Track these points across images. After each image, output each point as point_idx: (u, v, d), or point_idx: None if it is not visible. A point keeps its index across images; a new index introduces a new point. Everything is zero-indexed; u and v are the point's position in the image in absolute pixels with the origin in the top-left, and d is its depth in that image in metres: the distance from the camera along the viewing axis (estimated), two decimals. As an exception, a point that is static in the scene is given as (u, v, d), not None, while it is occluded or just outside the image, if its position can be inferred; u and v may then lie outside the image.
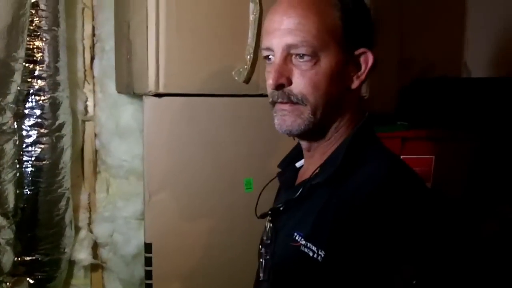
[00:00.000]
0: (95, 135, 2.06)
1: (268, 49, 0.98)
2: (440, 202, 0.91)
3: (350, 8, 0.97)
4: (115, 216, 2.05)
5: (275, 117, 1.01)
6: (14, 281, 1.88)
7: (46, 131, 1.81)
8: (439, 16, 2.33)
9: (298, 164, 1.14)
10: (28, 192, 1.83)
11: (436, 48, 2.32)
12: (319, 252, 0.90)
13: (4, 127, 1.70)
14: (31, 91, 1.79)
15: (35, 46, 1.77)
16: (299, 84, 0.95)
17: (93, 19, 2.01)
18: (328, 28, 0.94)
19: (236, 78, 1.55)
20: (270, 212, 1.08)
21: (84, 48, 2.00)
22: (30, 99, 1.79)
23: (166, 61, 1.49)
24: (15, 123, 1.77)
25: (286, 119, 0.98)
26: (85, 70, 2.01)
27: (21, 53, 1.69)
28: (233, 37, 1.55)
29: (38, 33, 1.77)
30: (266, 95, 1.56)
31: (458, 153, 1.93)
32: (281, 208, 1.06)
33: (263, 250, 1.07)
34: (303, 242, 0.94)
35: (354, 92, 1.01)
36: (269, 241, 1.06)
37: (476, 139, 1.93)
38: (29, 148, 1.81)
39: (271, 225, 1.07)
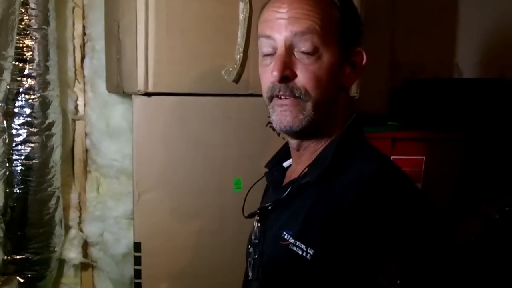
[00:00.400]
0: (86, 134, 2.05)
1: (269, 37, 0.97)
2: (426, 203, 0.91)
3: (346, 9, 0.98)
4: (105, 215, 2.05)
5: (273, 113, 0.99)
6: (4, 280, 1.88)
7: (36, 130, 1.81)
8: (430, 17, 2.34)
9: (285, 164, 1.14)
10: (18, 191, 1.83)
11: (427, 49, 2.33)
12: (308, 251, 0.90)
13: (-6, 126, 1.70)
14: (21, 89, 1.79)
15: (25, 45, 1.77)
16: (303, 78, 0.95)
17: (83, 18, 2.00)
18: (331, 23, 0.95)
19: (225, 77, 1.55)
20: (258, 211, 1.08)
21: (74, 47, 2.00)
22: (20, 98, 1.79)
23: (155, 60, 1.48)
24: (5, 121, 1.77)
25: (287, 114, 0.96)
26: (75, 70, 2.01)
27: (11, 51, 1.69)
28: (222, 37, 1.54)
29: (28, 32, 1.77)
30: (256, 95, 1.58)
31: (449, 154, 1.93)
32: (270, 208, 1.06)
33: (251, 250, 1.07)
34: (292, 240, 0.94)
35: (346, 91, 1.02)
36: (257, 241, 1.06)
37: (467, 140, 1.94)
38: (19, 147, 1.81)
39: (259, 224, 1.07)
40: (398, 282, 0.82)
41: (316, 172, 0.96)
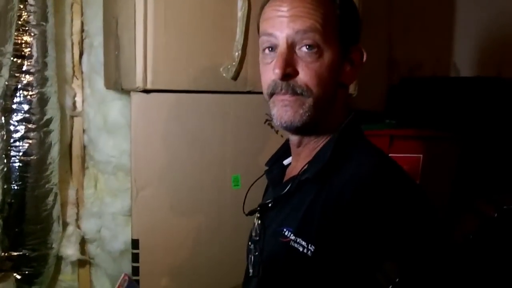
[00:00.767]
0: (83, 130, 2.05)
1: (270, 35, 0.98)
2: (424, 200, 0.92)
3: (346, 7, 0.99)
4: (103, 212, 2.04)
5: (273, 108, 1.00)
6: (1, 276, 1.88)
7: (34, 126, 1.81)
8: (427, 16, 2.35)
9: (285, 162, 1.15)
10: (16, 187, 1.83)
11: (425, 47, 2.33)
12: (309, 247, 0.91)
13: (-8, 122, 1.70)
14: (19, 86, 1.78)
15: (23, 41, 1.76)
16: (304, 76, 0.96)
17: (81, 14, 2.00)
18: (331, 21, 0.96)
19: (224, 75, 1.55)
20: (258, 208, 1.08)
21: (72, 43, 2.00)
22: (18, 94, 1.78)
23: (154, 57, 1.48)
24: (3, 118, 1.77)
25: (287, 109, 0.97)
26: (73, 66, 2.01)
27: (9, 47, 1.68)
28: (221, 34, 1.54)
29: (27, 28, 1.76)
30: (254, 92, 1.59)
31: (446, 152, 1.94)
32: (270, 205, 1.06)
33: (252, 246, 1.08)
34: (292, 237, 0.95)
35: (345, 88, 1.04)
36: (257, 237, 1.07)
37: (464, 138, 1.94)
38: (17, 143, 1.80)
39: (259, 221, 1.07)
40: (396, 280, 0.83)
41: (316, 169, 0.97)
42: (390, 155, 1.69)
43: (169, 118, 1.55)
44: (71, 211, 2.05)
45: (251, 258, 1.09)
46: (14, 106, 1.79)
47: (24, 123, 1.80)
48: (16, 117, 1.79)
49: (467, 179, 1.94)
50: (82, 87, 2.03)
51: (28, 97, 1.79)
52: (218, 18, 1.53)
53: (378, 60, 2.25)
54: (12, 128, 1.79)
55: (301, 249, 0.93)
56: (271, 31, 0.97)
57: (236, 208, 1.62)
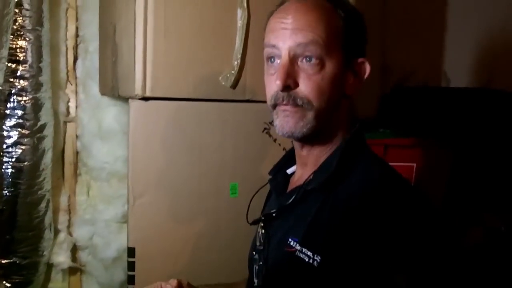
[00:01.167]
0: (76, 136, 2.03)
1: (274, 46, 0.98)
2: (432, 211, 0.93)
3: (351, 19, 1.00)
4: (95, 219, 2.02)
5: (276, 119, 1.01)
6: (-10, 284, 1.85)
7: (27, 132, 1.78)
8: (420, 25, 2.37)
9: (289, 171, 1.15)
10: (8, 194, 1.80)
11: (417, 56, 2.35)
12: (315, 257, 0.91)
13: (-15, 127, 1.67)
14: (13, 91, 1.76)
15: (18, 46, 1.74)
16: (305, 87, 0.96)
17: (76, 19, 1.98)
18: (334, 34, 0.97)
19: (223, 83, 1.55)
20: (263, 218, 1.08)
21: (67, 48, 1.98)
22: (12, 99, 1.76)
23: (153, 65, 1.48)
24: (-4, 123, 1.74)
25: (288, 120, 0.98)
26: (67, 71, 1.99)
27: (4, 52, 1.66)
28: (220, 42, 1.55)
29: (22, 33, 1.74)
30: (253, 101, 1.59)
31: (438, 161, 1.96)
32: (274, 214, 1.06)
33: (256, 256, 1.07)
34: (298, 247, 0.95)
35: (350, 99, 1.04)
36: (262, 247, 1.06)
37: (456, 148, 1.97)
38: (10, 149, 1.78)
39: (263, 231, 1.07)
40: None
41: (321, 179, 0.97)
42: (386, 164, 1.71)
43: (168, 126, 1.55)
44: (62, 218, 2.02)
45: (255, 267, 1.08)
46: (7, 112, 1.76)
47: (17, 129, 1.77)
48: (10, 122, 1.77)
49: (460, 187, 1.96)
50: (76, 93, 2.01)
51: (22, 102, 1.77)
52: (217, 26, 1.54)
53: (371, 67, 2.26)
54: (5, 133, 1.77)
55: (306, 259, 0.93)
56: (274, 43, 0.99)
57: (233, 216, 1.62)
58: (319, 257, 0.91)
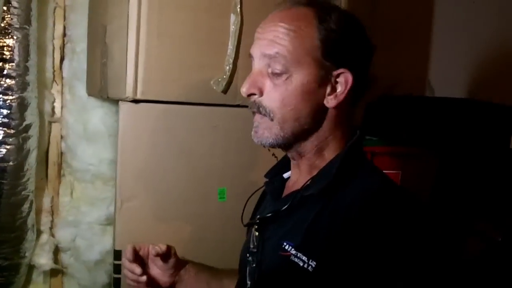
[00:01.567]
0: (61, 137, 2.01)
1: (250, 54, 1.03)
2: (432, 219, 0.94)
3: (333, 30, 0.98)
4: (78, 220, 2.00)
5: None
6: (-30, 286, 1.81)
7: (12, 131, 1.75)
8: (406, 36, 2.41)
9: (285, 175, 1.16)
10: (-9, 194, 1.77)
11: (402, 66, 2.39)
12: (310, 263, 0.92)
13: (-31, 126, 1.64)
14: (-1, 90, 1.73)
15: (5, 44, 1.71)
16: (269, 97, 0.99)
17: (64, 19, 1.96)
18: (306, 46, 0.97)
19: (214, 87, 1.55)
20: (258, 221, 1.09)
21: (54, 48, 1.95)
22: (-3, 98, 1.73)
23: (145, 67, 1.47)
24: (-19, 122, 1.71)
25: (257, 130, 1.02)
26: (54, 71, 1.96)
27: (-9, 51, 1.64)
28: (213, 47, 1.55)
29: (9, 31, 1.71)
30: (243, 106, 1.59)
31: (423, 170, 1.99)
32: (269, 217, 1.07)
33: (250, 258, 1.07)
34: (293, 252, 0.96)
35: (339, 110, 1.02)
36: (255, 250, 1.07)
37: (439, 157, 2.00)
38: (-6, 149, 1.75)
39: (257, 233, 1.08)
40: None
41: (321, 184, 0.98)
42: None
43: (158, 129, 1.54)
44: (45, 219, 1.99)
45: (248, 269, 1.09)
46: (-8, 111, 1.74)
47: (2, 128, 1.74)
48: (-5, 121, 1.74)
49: (444, 195, 2.00)
50: (62, 93, 1.98)
51: (8, 101, 1.74)
52: (210, 31, 1.54)
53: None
54: (-10, 133, 1.74)
55: (301, 263, 0.94)
56: (250, 51, 1.03)
57: (221, 220, 1.63)
58: (315, 263, 0.92)
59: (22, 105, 1.77)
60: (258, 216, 1.11)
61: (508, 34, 2.29)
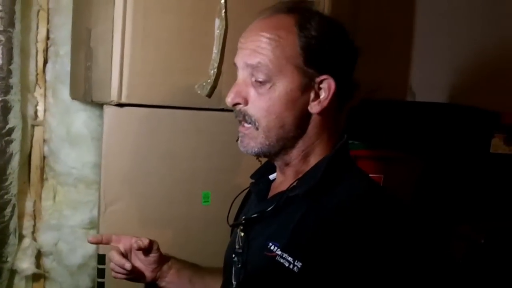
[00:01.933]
0: (44, 140, 1.99)
1: (234, 63, 1.04)
2: (417, 223, 0.96)
3: (314, 37, 0.99)
4: (61, 224, 1.98)
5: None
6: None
7: (-5, 135, 1.74)
8: (387, 40, 2.44)
9: (271, 177, 1.17)
10: (-28, 198, 1.75)
11: (384, 71, 2.41)
12: (295, 263, 0.93)
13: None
14: (-18, 92, 1.72)
15: (-12, 47, 1.70)
16: (254, 106, 1.00)
17: (48, 22, 1.95)
18: (287, 54, 0.98)
19: (199, 91, 1.55)
20: (243, 221, 1.10)
21: (37, 51, 1.94)
22: (-20, 101, 1.72)
23: (130, 71, 1.47)
24: (-37, 125, 1.69)
25: (243, 139, 1.04)
26: (37, 74, 1.95)
27: (-26, 54, 1.62)
28: (197, 51, 1.55)
29: (-7, 34, 1.71)
30: (227, 110, 1.60)
31: (405, 173, 2.02)
32: (255, 218, 1.08)
33: (235, 259, 1.08)
34: (279, 252, 0.97)
35: (323, 115, 1.03)
36: (241, 250, 1.07)
37: (421, 161, 2.03)
38: (-23, 152, 1.73)
39: (242, 234, 1.09)
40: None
41: (307, 186, 0.99)
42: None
43: (142, 133, 1.54)
44: (27, 223, 1.98)
45: (233, 270, 1.09)
46: (-24, 114, 1.72)
47: (-14, 132, 1.73)
48: (-22, 125, 1.72)
49: (426, 198, 2.02)
50: (45, 96, 1.97)
51: (-9, 105, 1.73)
52: (195, 35, 1.55)
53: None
54: (-28, 136, 1.72)
55: (287, 264, 0.95)
56: (235, 60, 1.04)
57: (205, 224, 1.63)
58: (300, 263, 0.93)
59: (5, 108, 1.75)
60: (244, 217, 1.12)
61: (489, 39, 2.33)
